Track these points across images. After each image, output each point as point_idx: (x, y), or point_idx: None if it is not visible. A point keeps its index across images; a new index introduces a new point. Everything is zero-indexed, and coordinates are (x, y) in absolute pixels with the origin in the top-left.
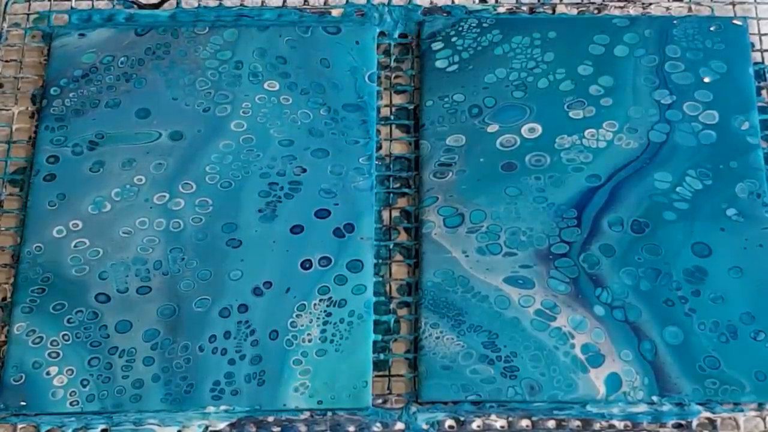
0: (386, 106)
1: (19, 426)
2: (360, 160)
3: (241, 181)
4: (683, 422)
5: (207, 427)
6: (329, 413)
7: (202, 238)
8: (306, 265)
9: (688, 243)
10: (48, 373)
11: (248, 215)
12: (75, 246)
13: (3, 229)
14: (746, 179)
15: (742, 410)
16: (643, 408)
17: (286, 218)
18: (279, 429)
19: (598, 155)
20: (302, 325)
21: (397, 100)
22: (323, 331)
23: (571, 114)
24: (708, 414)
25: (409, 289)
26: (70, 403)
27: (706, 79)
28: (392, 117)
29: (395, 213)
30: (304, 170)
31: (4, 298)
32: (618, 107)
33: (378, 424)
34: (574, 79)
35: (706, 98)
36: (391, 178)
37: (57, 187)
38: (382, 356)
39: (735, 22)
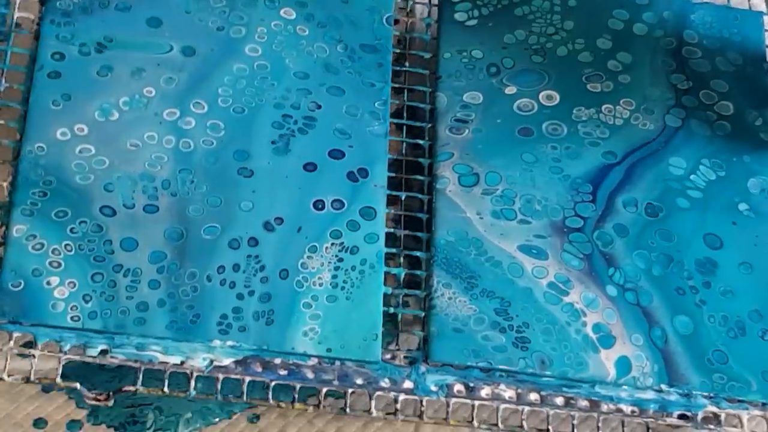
0: (401, 52)
1: (15, 334)
2: (376, 104)
3: (255, 109)
4: (688, 414)
5: (212, 362)
6: (337, 363)
7: (213, 162)
8: (319, 205)
9: (700, 233)
10: (48, 283)
11: (261, 145)
12: (80, 152)
13: (2, 122)
14: (758, 175)
15: (746, 408)
16: (650, 395)
17: (300, 154)
18: (286, 372)
19: (615, 132)
20: (313, 268)
21: (413, 48)
22: (334, 276)
23: (589, 86)
24: (713, 408)
25: (419, 243)
26: (71, 318)
27: None
28: (407, 64)
29: (408, 164)
30: (319, 106)
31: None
32: (635, 86)
33: (386, 380)
34: (593, 52)
35: (722, 88)
36: (404, 127)
37: (62, 87)
38: (391, 310)
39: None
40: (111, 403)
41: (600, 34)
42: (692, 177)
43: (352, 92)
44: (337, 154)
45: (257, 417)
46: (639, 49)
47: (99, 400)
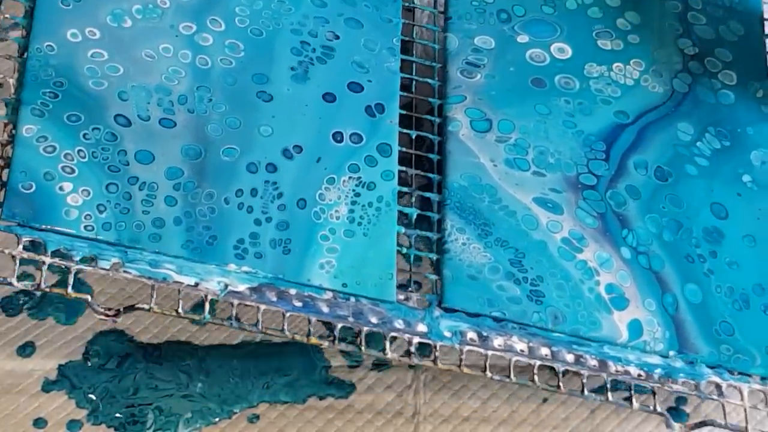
0: None
1: (24, 238)
2: (393, 40)
3: (273, 33)
4: (692, 382)
5: (227, 286)
6: (352, 299)
7: (232, 83)
8: (338, 137)
9: (708, 201)
10: (61, 189)
11: (280, 70)
12: (92, 56)
13: (7, 16)
14: (761, 148)
15: (747, 381)
16: (656, 360)
17: (319, 83)
18: (300, 304)
19: (626, 93)
20: (330, 200)
21: None
22: (351, 211)
23: (599, 43)
24: (716, 378)
25: (431, 185)
26: (85, 227)
27: None
28: (416, 2)
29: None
30: (337, 37)
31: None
32: (644, 46)
33: (400, 321)
34: (602, 8)
35: (726, 58)
36: (414, 65)
37: None
38: (404, 250)
39: None
40: (120, 319)
41: None
42: (698, 144)
43: (370, 27)
44: (356, 87)
45: (257, 417)
46: (646, 10)
47: (108, 316)
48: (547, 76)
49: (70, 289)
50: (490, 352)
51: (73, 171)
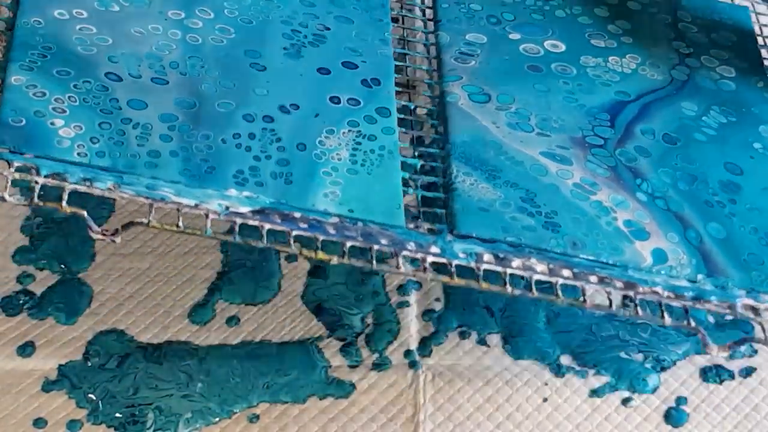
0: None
1: (16, 163)
2: (385, 33)
3: (263, 22)
4: (727, 303)
5: (227, 207)
6: (360, 224)
7: (224, 56)
8: (335, 100)
9: (720, 161)
10: (53, 124)
11: (273, 48)
12: (80, 29)
13: None
14: None
15: None
16: (685, 284)
17: (313, 61)
18: (306, 226)
19: (625, 78)
20: (331, 146)
21: None
22: (353, 155)
23: (592, 42)
24: (750, 301)
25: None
26: (78, 154)
27: None
28: (403, 10)
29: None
30: (328, 28)
31: None
32: (638, 45)
33: (412, 244)
34: (591, 17)
35: (722, 56)
36: (406, 57)
37: None
38: (411, 191)
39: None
40: (119, 239)
41: (597, 5)
42: (704, 118)
43: (361, 23)
44: (350, 65)
45: (257, 417)
46: (636, 19)
47: (106, 235)
48: (543, 64)
49: (64, 203)
50: (509, 270)
51: (64, 111)
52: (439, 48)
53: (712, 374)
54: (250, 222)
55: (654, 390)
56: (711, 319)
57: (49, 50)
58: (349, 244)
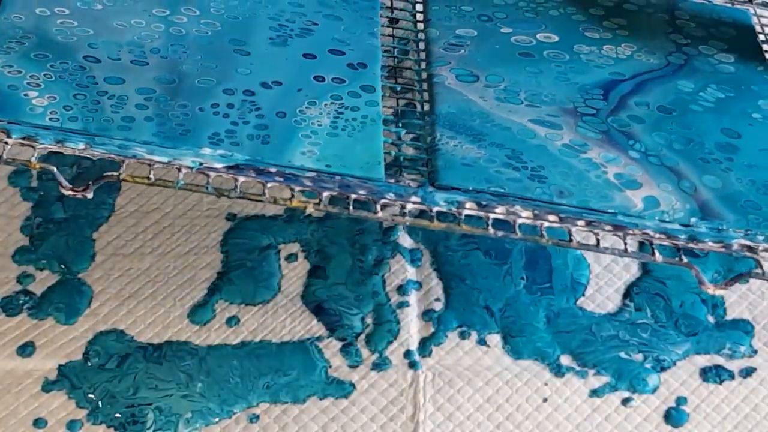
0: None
1: None
2: (374, 29)
3: (249, 18)
4: (722, 243)
5: (201, 164)
6: (338, 177)
7: (208, 44)
8: (319, 79)
9: (717, 127)
10: (26, 95)
11: (258, 38)
12: (61, 23)
13: None
14: None
15: None
16: (677, 227)
17: (299, 48)
18: (282, 179)
19: (620, 62)
20: (312, 114)
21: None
22: (334, 122)
23: (586, 34)
24: (747, 242)
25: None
26: (50, 119)
27: None
28: (394, 12)
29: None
30: (316, 24)
31: None
32: (634, 37)
33: (391, 194)
34: (586, 15)
35: (720, 47)
36: (395, 50)
37: None
38: (392, 153)
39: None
40: (90, 194)
41: (591, 5)
42: (701, 94)
43: (350, 21)
44: (336, 52)
45: (257, 417)
46: (633, 17)
47: (77, 191)
48: (535, 51)
49: (33, 159)
50: (491, 215)
51: (39, 85)
52: (428, 41)
53: (712, 374)
54: (224, 176)
55: (654, 390)
56: (711, 318)
57: (27, 39)
58: (326, 194)
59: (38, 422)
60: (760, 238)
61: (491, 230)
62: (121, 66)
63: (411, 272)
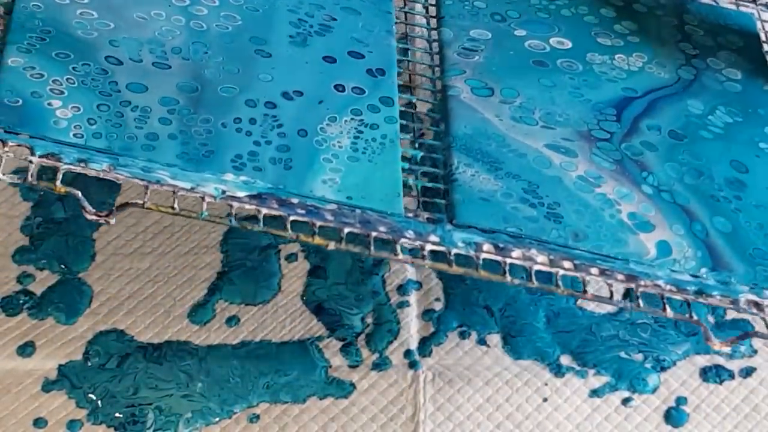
0: None
1: (10, 143)
2: (392, 26)
3: (269, 10)
4: (729, 298)
5: (224, 191)
6: (358, 211)
7: (229, 42)
8: (339, 88)
9: (727, 158)
10: (50, 104)
11: (279, 36)
12: (80, 14)
13: None
14: None
15: None
16: (687, 278)
17: (318, 49)
18: (303, 212)
19: (632, 75)
20: (332, 133)
21: None
22: (354, 143)
23: (599, 40)
24: (753, 297)
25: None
26: (74, 135)
27: None
28: (406, 7)
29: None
30: (335, 19)
31: None
32: (645, 45)
33: (411, 232)
34: (597, 17)
35: (728, 59)
36: (408, 52)
37: None
38: (411, 180)
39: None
40: (113, 220)
41: (603, 5)
42: (710, 117)
43: (368, 15)
44: (356, 55)
45: (257, 417)
46: (643, 21)
47: (100, 216)
48: (548, 60)
49: (58, 183)
50: (508, 260)
51: (62, 93)
52: (442, 44)
53: (712, 374)
54: (247, 206)
55: (654, 390)
56: (711, 319)
57: (48, 33)
58: (346, 230)
59: (38, 422)
60: (765, 293)
61: (508, 278)
62: (142, 70)
63: (411, 272)
